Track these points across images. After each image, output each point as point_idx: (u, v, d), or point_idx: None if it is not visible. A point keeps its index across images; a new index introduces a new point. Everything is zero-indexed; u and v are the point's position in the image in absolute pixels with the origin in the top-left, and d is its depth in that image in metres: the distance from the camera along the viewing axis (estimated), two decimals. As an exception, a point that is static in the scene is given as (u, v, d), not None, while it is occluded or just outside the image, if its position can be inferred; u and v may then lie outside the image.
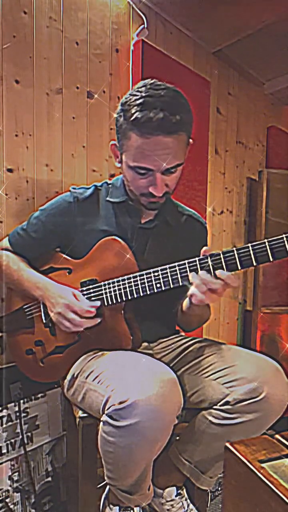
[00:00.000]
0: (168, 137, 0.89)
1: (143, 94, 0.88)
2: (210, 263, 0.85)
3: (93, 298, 1.00)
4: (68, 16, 1.46)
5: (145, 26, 1.69)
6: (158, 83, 0.91)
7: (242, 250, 0.82)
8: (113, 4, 1.61)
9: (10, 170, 1.33)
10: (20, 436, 1.25)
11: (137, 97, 0.89)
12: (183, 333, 1.21)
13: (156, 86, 0.90)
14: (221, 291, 0.85)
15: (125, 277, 0.95)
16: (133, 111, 0.88)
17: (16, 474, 1.23)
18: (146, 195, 0.98)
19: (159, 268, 0.91)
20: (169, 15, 1.83)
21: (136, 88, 0.91)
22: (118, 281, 0.96)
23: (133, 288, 0.93)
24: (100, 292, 0.99)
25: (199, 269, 0.86)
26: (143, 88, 0.89)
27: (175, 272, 0.89)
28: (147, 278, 0.92)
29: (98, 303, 0.98)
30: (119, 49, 1.65)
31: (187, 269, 0.88)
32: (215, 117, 2.22)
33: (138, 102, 0.88)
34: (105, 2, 1.59)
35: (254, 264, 0.81)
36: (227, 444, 0.56)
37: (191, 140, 1.00)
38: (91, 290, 1.00)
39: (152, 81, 0.92)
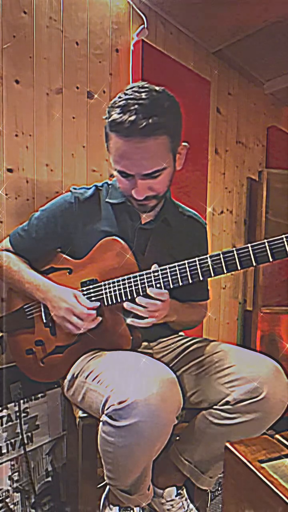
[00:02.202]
0: (143, 140, 0.87)
1: (126, 97, 0.88)
2: (210, 263, 0.85)
3: (93, 298, 1.00)
4: (68, 16, 1.46)
5: (145, 26, 1.69)
6: (146, 85, 0.90)
7: (242, 250, 0.82)
8: (113, 4, 1.61)
9: (10, 170, 1.33)
10: (20, 436, 1.25)
11: (121, 99, 0.88)
12: (183, 333, 1.21)
13: (141, 88, 0.88)
14: (154, 312, 0.89)
15: (125, 277, 0.95)
16: (112, 112, 0.89)
17: (16, 474, 1.23)
18: (131, 197, 0.98)
19: (159, 268, 0.91)
20: (169, 15, 1.84)
21: (125, 90, 0.91)
22: (118, 281, 0.96)
23: (133, 288, 0.93)
24: (100, 292, 0.99)
25: (199, 269, 0.86)
26: (129, 91, 0.89)
27: (175, 273, 0.89)
28: (147, 278, 0.92)
29: (98, 303, 0.98)
30: (119, 49, 1.65)
31: (187, 269, 0.88)
32: (215, 117, 2.22)
33: (119, 104, 0.88)
34: (105, 2, 1.59)
35: (254, 264, 0.81)
36: (227, 444, 0.57)
37: (186, 144, 0.99)
38: (91, 290, 1.01)
39: (142, 84, 0.90)
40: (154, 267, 0.92)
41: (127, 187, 0.96)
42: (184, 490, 1.05)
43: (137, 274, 0.93)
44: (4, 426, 1.21)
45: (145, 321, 0.91)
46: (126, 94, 0.88)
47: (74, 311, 0.95)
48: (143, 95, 0.86)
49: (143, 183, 0.93)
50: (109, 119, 0.89)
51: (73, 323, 0.96)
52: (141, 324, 0.91)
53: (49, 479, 1.33)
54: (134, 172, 0.92)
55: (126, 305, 0.92)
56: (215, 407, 0.92)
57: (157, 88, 0.90)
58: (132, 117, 0.85)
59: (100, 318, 0.98)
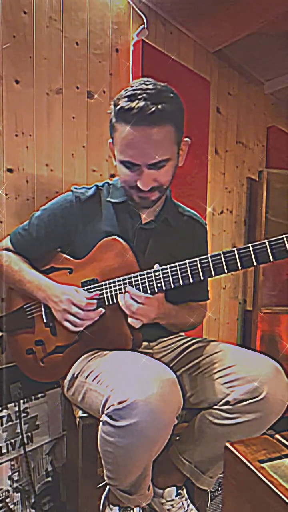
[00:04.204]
0: (150, 128, 0.89)
1: (133, 88, 0.90)
2: (211, 263, 0.85)
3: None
4: (68, 16, 1.46)
5: (145, 26, 1.69)
6: (150, 80, 0.93)
7: (243, 250, 0.82)
8: (113, 4, 1.61)
9: (10, 170, 1.33)
10: (20, 436, 1.25)
11: (127, 91, 0.91)
12: (183, 333, 1.21)
13: (147, 81, 0.92)
14: (138, 314, 0.90)
15: (126, 276, 0.95)
16: (119, 102, 0.91)
17: (16, 474, 1.23)
18: (135, 189, 0.97)
19: (159, 268, 0.91)
20: (169, 15, 1.83)
21: (130, 84, 0.94)
22: (119, 281, 0.96)
23: (134, 288, 0.93)
24: (101, 292, 0.99)
25: (200, 269, 0.86)
26: (135, 84, 0.92)
27: (176, 272, 0.89)
28: (147, 278, 0.92)
29: (97, 293, 0.98)
30: (119, 49, 1.65)
31: (188, 269, 0.88)
32: (215, 117, 2.22)
33: (126, 94, 0.90)
34: (105, 2, 1.59)
35: (255, 264, 0.81)
36: (227, 444, 0.56)
37: (188, 140, 1.00)
38: (92, 290, 1.00)
39: (146, 78, 0.94)
40: (156, 266, 0.92)
41: (131, 178, 0.96)
42: (184, 490, 1.05)
43: (138, 274, 0.93)
44: (4, 426, 1.21)
45: (129, 320, 0.92)
46: (132, 86, 0.91)
47: (74, 300, 0.96)
48: (150, 86, 0.90)
49: (149, 173, 0.94)
50: (117, 107, 0.90)
51: (74, 313, 0.96)
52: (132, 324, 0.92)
53: (49, 479, 1.33)
54: (140, 161, 0.92)
55: (120, 300, 0.93)
56: (215, 407, 0.92)
57: (160, 83, 0.93)
58: (141, 103, 0.87)
59: (102, 310, 0.98)
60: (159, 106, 0.88)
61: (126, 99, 0.89)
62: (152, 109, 0.87)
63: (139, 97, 0.88)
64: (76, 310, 0.96)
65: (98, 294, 0.98)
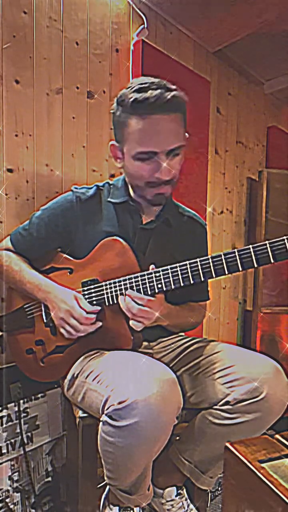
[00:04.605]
0: (167, 115, 0.91)
1: (138, 83, 0.92)
2: (211, 264, 0.85)
3: (94, 298, 1.00)
4: (68, 16, 1.46)
5: (145, 26, 1.69)
6: (149, 77, 0.95)
7: (243, 252, 0.82)
8: (113, 4, 1.61)
9: (10, 170, 1.33)
10: (20, 436, 1.25)
11: (132, 86, 0.93)
12: (183, 333, 1.21)
13: (148, 78, 0.94)
14: (140, 316, 0.89)
15: (126, 277, 0.95)
16: (130, 96, 0.91)
17: (16, 474, 1.23)
18: (152, 184, 0.97)
19: (160, 269, 0.91)
20: (169, 15, 1.83)
21: (129, 83, 0.96)
22: (119, 281, 0.96)
23: (134, 288, 0.93)
24: (101, 292, 0.99)
25: (200, 270, 0.86)
26: (137, 81, 0.94)
27: (176, 273, 0.89)
28: (148, 278, 0.92)
29: (98, 308, 0.98)
30: (119, 49, 1.65)
31: (189, 270, 0.88)
32: (215, 117, 2.22)
33: (134, 88, 0.92)
34: (105, 2, 1.59)
35: (255, 265, 0.81)
36: (227, 444, 0.56)
37: (186, 134, 1.01)
38: (92, 290, 1.00)
39: (146, 77, 0.96)
40: (151, 268, 0.92)
41: (147, 172, 0.96)
42: (184, 490, 1.05)
43: (138, 274, 0.93)
44: (4, 426, 1.21)
45: (131, 323, 0.92)
46: (134, 83, 0.94)
47: (73, 314, 0.96)
48: (154, 80, 0.92)
49: (166, 162, 0.95)
50: (129, 101, 0.91)
51: (72, 325, 0.96)
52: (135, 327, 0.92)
53: (49, 479, 1.33)
54: (160, 149, 0.93)
55: (121, 302, 0.93)
56: (215, 407, 0.92)
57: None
58: (156, 92, 0.89)
59: (100, 323, 0.98)
60: (173, 93, 0.90)
61: (136, 92, 0.91)
62: (168, 97, 0.89)
63: (152, 87, 0.90)
64: (74, 323, 0.96)
65: (98, 310, 0.98)
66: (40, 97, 1.39)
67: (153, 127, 0.91)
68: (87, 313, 0.96)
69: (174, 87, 0.94)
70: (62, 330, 0.99)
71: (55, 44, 1.43)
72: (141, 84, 0.91)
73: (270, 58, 2.20)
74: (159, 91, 0.90)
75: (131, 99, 0.91)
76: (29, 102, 1.36)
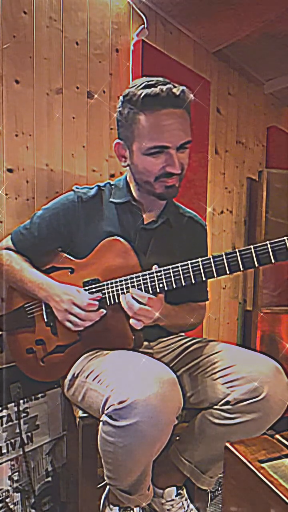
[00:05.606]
0: (177, 109, 0.93)
1: (144, 81, 0.94)
2: (213, 264, 0.85)
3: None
4: (68, 16, 1.46)
5: (145, 26, 1.69)
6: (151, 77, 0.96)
7: (244, 252, 0.82)
8: (113, 4, 1.61)
9: (10, 170, 1.33)
10: (20, 436, 1.25)
11: (138, 84, 0.94)
12: (183, 333, 1.21)
13: (151, 77, 0.96)
14: (140, 315, 0.89)
15: (128, 277, 0.95)
16: (139, 93, 0.92)
17: (16, 474, 1.23)
18: (163, 177, 0.97)
19: (161, 269, 0.91)
20: (169, 15, 1.83)
21: (133, 83, 0.97)
22: (120, 281, 0.96)
23: (136, 287, 0.93)
24: (103, 292, 0.99)
25: (201, 270, 0.86)
26: (140, 80, 0.95)
27: (177, 273, 0.89)
28: (150, 278, 0.92)
29: (100, 295, 0.98)
30: (119, 49, 1.65)
31: (190, 270, 0.88)
32: (215, 117, 2.22)
33: (142, 85, 0.93)
34: (105, 2, 1.59)
35: (256, 265, 0.81)
36: (227, 444, 0.57)
37: None
38: (93, 290, 1.00)
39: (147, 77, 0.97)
40: (154, 268, 0.92)
41: (158, 167, 0.96)
42: (184, 490, 1.05)
43: (140, 274, 0.93)
44: (4, 426, 1.21)
45: (131, 321, 0.92)
46: (138, 81, 0.95)
47: (75, 301, 0.96)
48: (160, 78, 0.94)
49: (177, 156, 0.96)
50: (141, 96, 0.91)
51: (75, 313, 0.96)
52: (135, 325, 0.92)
53: (49, 479, 1.33)
54: (172, 143, 0.94)
55: (122, 301, 0.93)
56: (215, 407, 0.92)
57: None
58: (166, 87, 0.91)
59: (103, 311, 0.98)
60: (182, 88, 0.93)
61: (146, 88, 0.92)
62: (178, 92, 0.91)
63: (161, 82, 0.92)
64: (77, 311, 0.96)
65: (100, 297, 0.98)
66: (40, 97, 1.39)
67: (165, 122, 0.92)
68: (89, 299, 0.96)
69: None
70: (67, 323, 0.98)
71: (55, 44, 1.43)
72: (148, 81, 0.93)
73: (270, 58, 2.20)
74: (168, 85, 0.91)
75: (142, 95, 0.91)
76: (29, 102, 1.36)
